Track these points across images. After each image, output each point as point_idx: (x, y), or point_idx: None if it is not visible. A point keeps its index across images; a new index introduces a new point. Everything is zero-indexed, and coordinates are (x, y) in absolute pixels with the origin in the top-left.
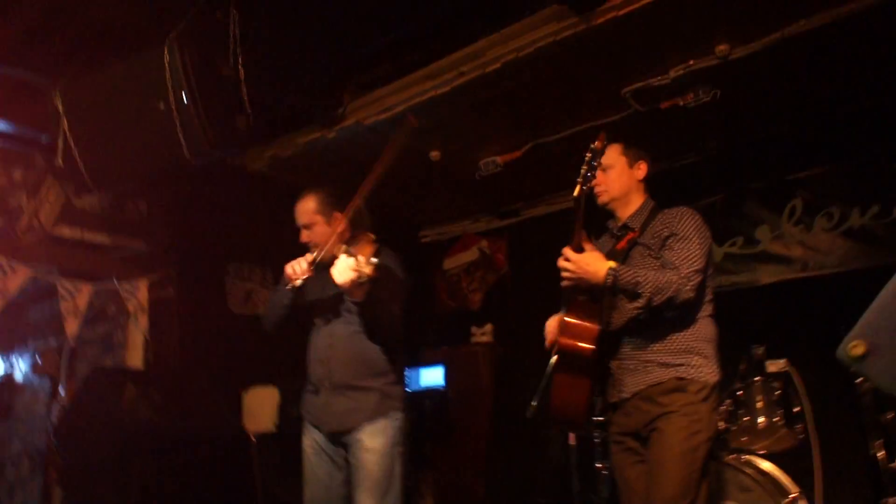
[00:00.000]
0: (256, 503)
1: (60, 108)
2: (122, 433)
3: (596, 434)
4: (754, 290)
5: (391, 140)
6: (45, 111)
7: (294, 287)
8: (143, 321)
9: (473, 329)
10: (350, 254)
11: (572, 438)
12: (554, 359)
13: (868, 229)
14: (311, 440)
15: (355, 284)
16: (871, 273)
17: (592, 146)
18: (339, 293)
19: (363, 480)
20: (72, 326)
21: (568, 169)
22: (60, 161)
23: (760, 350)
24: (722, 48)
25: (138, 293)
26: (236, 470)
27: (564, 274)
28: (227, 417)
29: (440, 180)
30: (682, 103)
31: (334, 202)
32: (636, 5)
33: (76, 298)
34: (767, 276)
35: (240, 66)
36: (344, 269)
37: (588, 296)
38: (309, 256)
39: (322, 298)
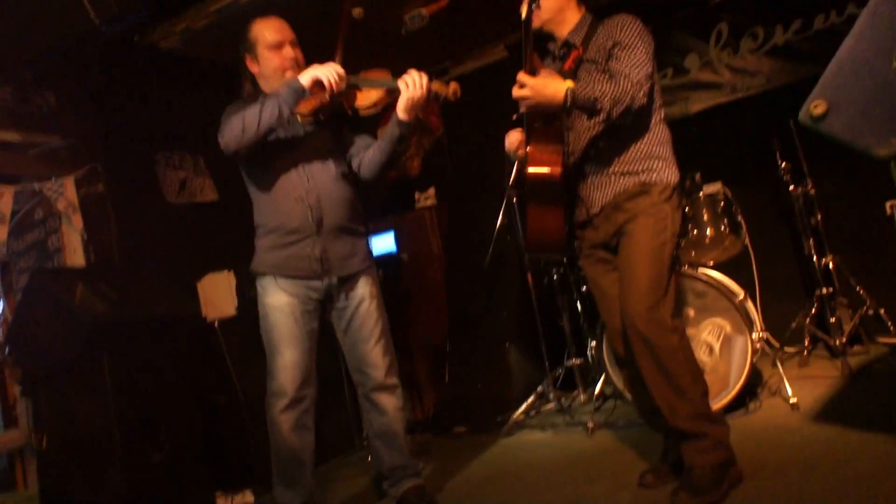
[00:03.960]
0: (230, 384)
1: None
2: (80, 331)
3: (553, 270)
4: (687, 120)
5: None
6: None
7: (336, 95)
8: (76, 220)
9: (417, 195)
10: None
11: (529, 278)
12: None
13: (792, 45)
14: (287, 296)
15: (420, 104)
16: (796, 87)
17: None
18: (324, 130)
19: (373, 329)
20: None
21: (495, 18)
22: None
23: (697, 175)
24: None
25: (66, 192)
26: (204, 356)
27: (522, 101)
28: (185, 306)
29: (364, 40)
30: None
31: None
32: None
33: None
34: (699, 103)
35: None
36: (420, 84)
37: (543, 121)
38: (339, 67)
39: (300, 135)
